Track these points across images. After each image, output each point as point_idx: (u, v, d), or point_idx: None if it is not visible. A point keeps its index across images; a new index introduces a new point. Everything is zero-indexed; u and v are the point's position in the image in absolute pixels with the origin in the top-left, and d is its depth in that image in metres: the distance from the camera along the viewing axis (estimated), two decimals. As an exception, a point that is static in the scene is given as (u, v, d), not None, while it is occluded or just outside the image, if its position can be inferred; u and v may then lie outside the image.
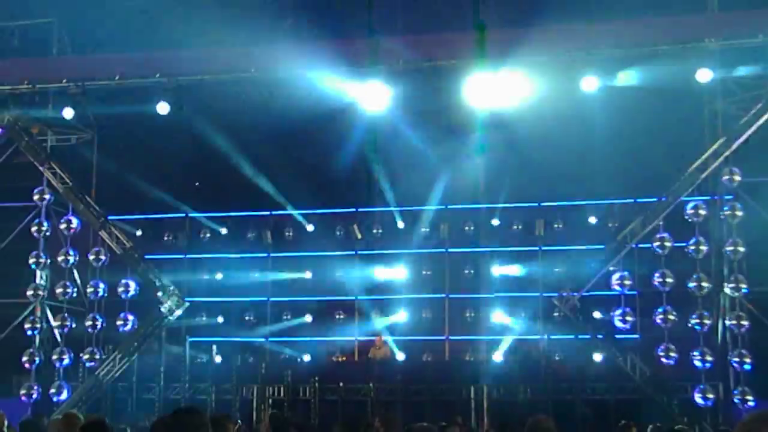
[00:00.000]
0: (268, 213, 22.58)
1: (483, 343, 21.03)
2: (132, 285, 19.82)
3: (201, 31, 18.26)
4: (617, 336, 18.47)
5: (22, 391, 19.48)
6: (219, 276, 22.68)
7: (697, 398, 17.31)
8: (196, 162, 22.21)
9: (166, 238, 22.83)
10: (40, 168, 20.04)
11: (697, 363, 17.38)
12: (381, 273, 22.19)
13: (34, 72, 19.56)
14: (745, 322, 17.43)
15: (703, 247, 17.72)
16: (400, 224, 22.11)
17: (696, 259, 17.74)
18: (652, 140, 18.14)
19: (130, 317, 19.75)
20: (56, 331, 19.89)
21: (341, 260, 22.33)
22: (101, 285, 19.93)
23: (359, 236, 22.02)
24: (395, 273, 22.17)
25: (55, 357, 19.60)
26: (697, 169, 17.83)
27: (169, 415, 5.10)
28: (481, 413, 18.32)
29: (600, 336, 18.44)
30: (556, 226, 21.20)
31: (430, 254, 22.06)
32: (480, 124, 18.41)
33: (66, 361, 19.66)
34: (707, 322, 17.53)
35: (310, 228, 22.53)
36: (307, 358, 21.27)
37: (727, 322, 17.70)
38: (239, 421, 14.51)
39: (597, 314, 19.60)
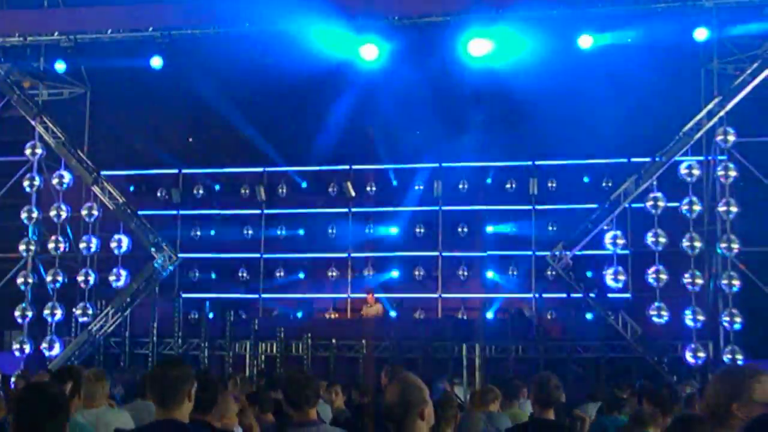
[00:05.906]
0: (261, 169, 22.50)
1: (475, 301, 21.05)
2: (125, 240, 19.79)
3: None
4: (609, 295, 18.53)
5: (15, 346, 19.50)
6: (212, 232, 22.66)
7: (688, 357, 17.40)
8: (190, 117, 22.17)
9: (159, 194, 22.75)
10: (32, 122, 19.89)
11: (689, 322, 17.44)
12: (374, 230, 22.16)
13: (25, 24, 19.37)
14: (736, 282, 17.44)
15: (696, 207, 17.72)
16: (394, 182, 22.09)
17: (689, 219, 17.74)
18: (646, 99, 18.08)
19: (123, 273, 19.74)
20: (48, 286, 19.88)
21: (334, 217, 22.34)
22: (94, 240, 19.89)
23: (352, 194, 21.96)
24: (388, 230, 22.16)
25: (47, 312, 19.56)
26: (692, 128, 17.79)
27: (156, 367, 5.13)
28: (472, 371, 18.40)
29: (592, 295, 18.49)
30: (549, 185, 21.17)
31: (423, 212, 22.03)
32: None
33: (58, 316, 19.65)
34: (699, 281, 17.57)
35: (303, 185, 22.52)
36: (299, 314, 21.32)
37: (719, 282, 17.76)
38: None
39: (589, 273, 19.67)
